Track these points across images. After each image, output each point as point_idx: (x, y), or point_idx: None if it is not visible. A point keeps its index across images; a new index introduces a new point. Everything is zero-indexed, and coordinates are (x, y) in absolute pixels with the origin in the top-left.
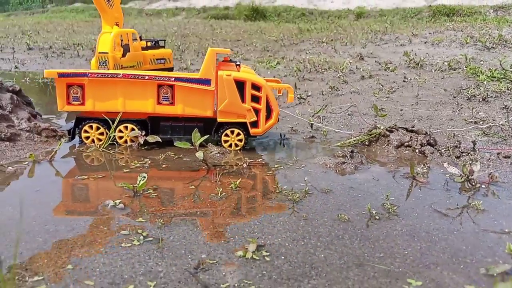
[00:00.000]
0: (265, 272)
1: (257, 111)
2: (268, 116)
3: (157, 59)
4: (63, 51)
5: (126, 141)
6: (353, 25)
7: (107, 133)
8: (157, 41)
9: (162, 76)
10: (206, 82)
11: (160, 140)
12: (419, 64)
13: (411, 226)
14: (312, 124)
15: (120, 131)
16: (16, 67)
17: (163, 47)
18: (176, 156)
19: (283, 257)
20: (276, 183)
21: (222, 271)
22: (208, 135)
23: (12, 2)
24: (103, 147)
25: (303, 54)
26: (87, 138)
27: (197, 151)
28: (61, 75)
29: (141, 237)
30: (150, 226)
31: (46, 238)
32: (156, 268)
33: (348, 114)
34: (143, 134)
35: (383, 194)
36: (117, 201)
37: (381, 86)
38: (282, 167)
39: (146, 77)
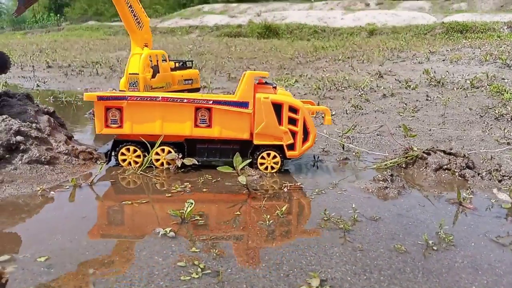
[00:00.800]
0: None
1: (293, 134)
2: (305, 139)
3: (185, 80)
4: (82, 69)
5: (162, 164)
6: (368, 43)
7: (144, 156)
8: (184, 62)
9: (200, 99)
10: (244, 104)
11: (197, 163)
12: (440, 82)
13: (471, 257)
14: (343, 145)
15: (157, 153)
16: (38, 85)
17: (191, 67)
18: (214, 180)
19: None
20: (324, 210)
21: None
22: (250, 160)
23: (28, 21)
24: (140, 170)
25: (320, 72)
26: (124, 160)
27: (239, 176)
28: (100, 98)
29: (199, 269)
30: (205, 256)
31: (103, 271)
32: None
33: (377, 134)
34: (180, 156)
35: (433, 221)
36: (168, 229)
37: (404, 105)
38: (323, 192)
39: (185, 100)
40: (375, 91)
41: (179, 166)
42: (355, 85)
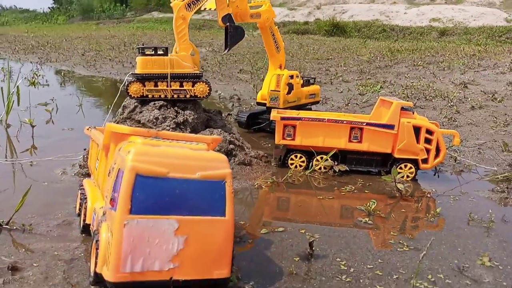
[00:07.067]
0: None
1: (427, 150)
2: (437, 155)
3: (310, 95)
4: None
5: (320, 168)
6: (445, 47)
7: (307, 162)
8: (308, 79)
9: (356, 121)
10: (391, 127)
11: (348, 169)
12: None
13: None
14: (455, 159)
15: (317, 160)
16: None
17: (313, 83)
18: (367, 184)
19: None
20: (469, 213)
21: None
22: (404, 173)
23: (96, 10)
24: (308, 172)
25: (402, 78)
26: (292, 164)
27: (397, 183)
28: (283, 118)
29: (405, 246)
30: (404, 237)
31: (341, 247)
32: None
33: (478, 148)
34: (335, 164)
35: None
36: (366, 219)
37: (494, 118)
38: (457, 198)
39: (344, 122)
40: (463, 102)
41: (336, 171)
42: (442, 94)
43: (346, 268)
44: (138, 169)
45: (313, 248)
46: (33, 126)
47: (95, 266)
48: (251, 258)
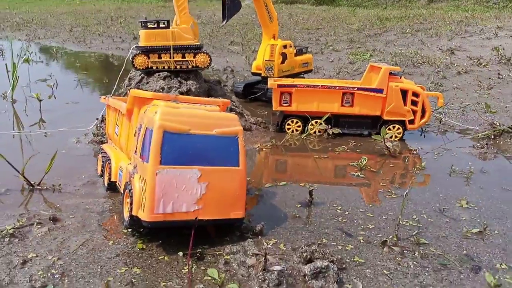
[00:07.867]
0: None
1: (414, 112)
2: (422, 116)
3: (303, 63)
4: None
5: (315, 132)
6: (433, 14)
7: (303, 126)
8: (301, 48)
9: (348, 87)
10: (380, 91)
11: (341, 132)
12: (510, 61)
13: None
14: (441, 120)
15: (312, 124)
16: None
17: (306, 53)
18: (359, 144)
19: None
20: (451, 166)
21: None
22: (392, 133)
23: None
24: (304, 136)
25: (391, 46)
26: (288, 129)
27: (386, 142)
28: (279, 86)
29: (393, 194)
30: (392, 186)
31: (337, 195)
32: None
33: (462, 110)
34: (329, 127)
35: None
36: (359, 173)
37: (479, 83)
38: (441, 154)
39: (337, 87)
40: (449, 68)
41: (330, 134)
42: (429, 61)
43: (341, 211)
44: (165, 126)
45: (313, 196)
46: (40, 101)
47: (130, 211)
48: (259, 206)
